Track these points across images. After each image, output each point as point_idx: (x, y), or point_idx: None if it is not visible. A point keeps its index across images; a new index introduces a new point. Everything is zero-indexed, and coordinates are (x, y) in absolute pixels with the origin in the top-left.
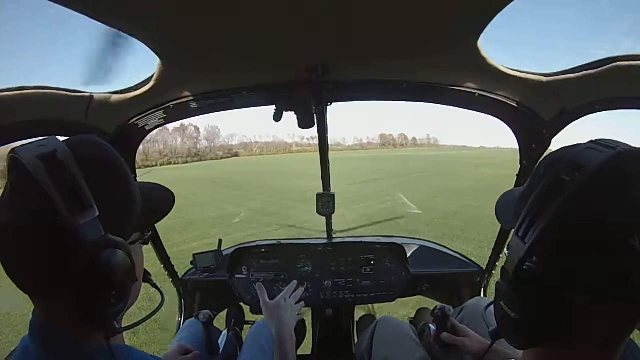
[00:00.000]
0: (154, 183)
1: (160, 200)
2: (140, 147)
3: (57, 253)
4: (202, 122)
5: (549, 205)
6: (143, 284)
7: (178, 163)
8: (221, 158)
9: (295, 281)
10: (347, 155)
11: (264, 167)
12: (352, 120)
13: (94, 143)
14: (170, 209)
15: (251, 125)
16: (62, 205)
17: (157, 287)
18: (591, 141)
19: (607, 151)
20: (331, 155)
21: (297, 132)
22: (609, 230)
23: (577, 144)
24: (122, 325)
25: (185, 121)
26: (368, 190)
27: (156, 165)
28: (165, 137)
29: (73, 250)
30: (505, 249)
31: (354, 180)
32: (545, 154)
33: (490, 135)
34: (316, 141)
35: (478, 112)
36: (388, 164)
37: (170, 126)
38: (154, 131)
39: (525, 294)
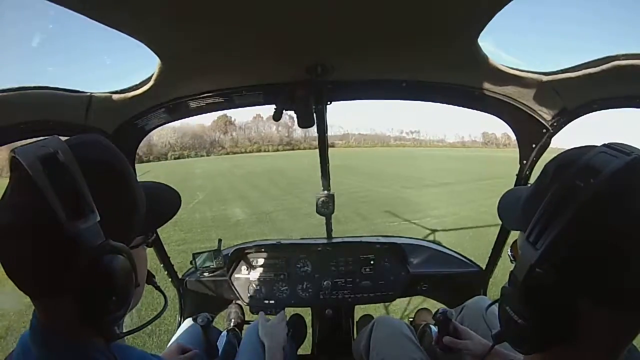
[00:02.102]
0: (159, 183)
1: (166, 202)
2: (234, 134)
3: (56, 258)
4: None
5: (562, 212)
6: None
7: (268, 151)
8: (315, 148)
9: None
10: (439, 153)
11: (338, 161)
12: (454, 117)
13: (98, 144)
14: (176, 211)
15: (349, 116)
16: (61, 211)
17: (161, 291)
18: (604, 145)
19: (622, 157)
20: (428, 151)
21: (396, 126)
22: (624, 238)
23: (588, 147)
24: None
25: None
26: (422, 199)
27: (245, 152)
28: (258, 125)
29: (73, 255)
30: (509, 250)
31: (425, 183)
32: (545, 154)
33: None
34: (415, 136)
35: (479, 112)
36: (476, 166)
37: (265, 115)
38: (248, 119)
39: (535, 300)
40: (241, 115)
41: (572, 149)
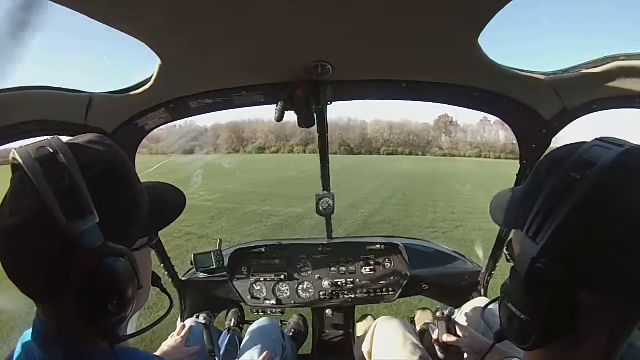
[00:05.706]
0: (165, 183)
1: (170, 203)
2: (458, 135)
3: (55, 260)
4: None
5: (560, 204)
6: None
7: (489, 157)
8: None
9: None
10: None
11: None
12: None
13: (99, 144)
14: (180, 212)
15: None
16: (59, 212)
17: (166, 292)
18: (597, 139)
19: (615, 148)
20: None
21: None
22: (624, 228)
23: (581, 142)
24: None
25: None
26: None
27: (463, 155)
28: (484, 128)
29: (71, 257)
30: (505, 249)
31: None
32: (546, 153)
33: None
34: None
35: (478, 112)
36: None
37: (493, 119)
38: (473, 122)
39: (537, 294)
40: (466, 117)
41: (563, 146)
